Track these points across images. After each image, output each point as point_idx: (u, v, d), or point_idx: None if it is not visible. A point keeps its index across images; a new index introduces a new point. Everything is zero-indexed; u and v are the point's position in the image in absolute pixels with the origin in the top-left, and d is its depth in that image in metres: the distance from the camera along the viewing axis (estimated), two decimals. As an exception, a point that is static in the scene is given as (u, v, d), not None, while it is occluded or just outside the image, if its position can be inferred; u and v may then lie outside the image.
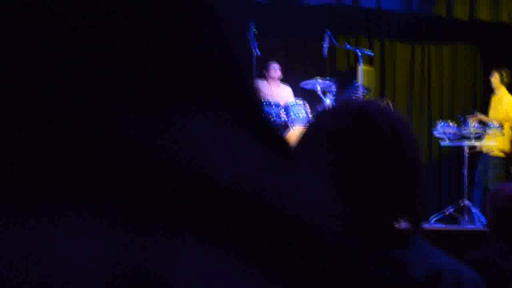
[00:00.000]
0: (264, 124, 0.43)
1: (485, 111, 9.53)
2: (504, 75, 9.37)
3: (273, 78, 9.28)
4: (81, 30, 0.36)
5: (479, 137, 8.82)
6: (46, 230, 0.35)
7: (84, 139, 0.36)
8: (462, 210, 8.64)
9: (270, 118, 0.45)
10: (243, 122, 0.41)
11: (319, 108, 8.49)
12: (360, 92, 8.80)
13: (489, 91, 9.70)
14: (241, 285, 0.38)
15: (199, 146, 0.38)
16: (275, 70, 9.27)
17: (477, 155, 9.22)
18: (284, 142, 0.44)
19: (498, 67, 9.49)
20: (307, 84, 9.05)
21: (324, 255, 0.41)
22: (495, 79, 9.41)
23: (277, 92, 9.23)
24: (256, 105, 0.44)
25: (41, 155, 0.36)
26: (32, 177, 0.35)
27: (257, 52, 8.47)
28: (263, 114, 0.44)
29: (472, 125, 8.76)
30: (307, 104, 8.90)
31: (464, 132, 8.77)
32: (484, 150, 9.19)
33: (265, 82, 9.31)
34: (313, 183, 0.44)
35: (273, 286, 0.39)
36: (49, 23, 0.36)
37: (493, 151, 9.14)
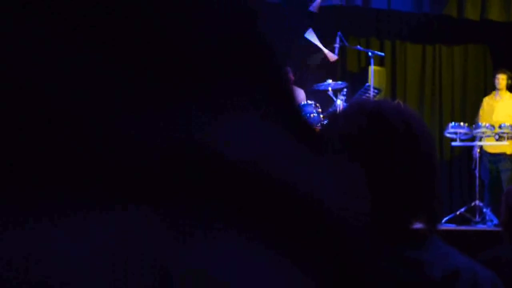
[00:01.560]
0: (295, 118, 0.43)
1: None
2: (511, 76, 9.36)
3: None
4: (81, 30, 0.36)
5: (490, 137, 8.80)
6: (46, 230, 0.35)
7: (84, 138, 0.36)
8: (473, 211, 8.62)
9: (302, 113, 0.45)
10: (270, 116, 0.41)
11: (331, 109, 8.51)
12: (371, 93, 8.79)
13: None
14: (268, 273, 0.38)
15: (199, 144, 0.38)
16: None
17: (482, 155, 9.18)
18: (313, 135, 0.44)
19: (501, 69, 9.48)
20: (320, 86, 9.04)
21: (345, 249, 0.41)
22: (504, 80, 9.36)
23: None
24: (286, 100, 0.43)
25: (41, 155, 0.36)
26: (32, 177, 0.35)
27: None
28: (294, 108, 0.44)
29: (483, 125, 8.73)
30: (318, 105, 8.89)
31: (475, 132, 8.75)
32: (493, 151, 9.15)
33: None
34: (338, 178, 0.44)
35: (301, 274, 0.39)
36: (49, 23, 0.36)
37: (505, 151, 9.10)
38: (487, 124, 8.75)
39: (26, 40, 0.35)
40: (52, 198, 0.36)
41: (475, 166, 8.90)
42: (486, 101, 9.54)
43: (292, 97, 0.44)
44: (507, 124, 8.72)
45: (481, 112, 9.48)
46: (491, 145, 8.97)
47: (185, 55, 0.38)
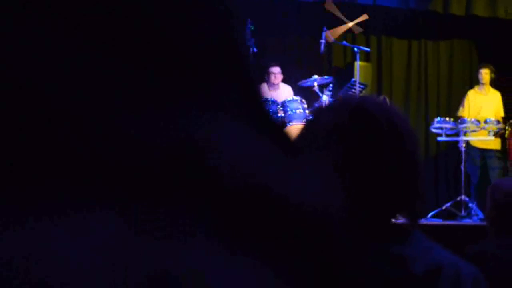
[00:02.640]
0: (267, 120, 0.43)
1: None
2: (494, 70, 9.40)
3: (273, 84, 9.30)
4: (81, 29, 0.36)
5: (475, 132, 8.83)
6: (46, 230, 0.35)
7: (84, 138, 0.36)
8: (459, 205, 8.65)
9: (272, 115, 0.46)
10: (246, 118, 0.41)
11: (317, 105, 8.51)
12: (357, 88, 8.80)
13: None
14: (248, 278, 0.38)
15: (199, 144, 0.38)
16: (275, 75, 9.26)
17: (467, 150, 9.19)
18: (285, 137, 0.44)
19: (484, 63, 9.53)
20: (305, 82, 9.07)
21: (326, 247, 0.42)
22: (487, 75, 9.40)
23: (276, 95, 9.22)
24: (258, 102, 0.44)
25: (41, 155, 0.36)
26: (32, 176, 0.35)
27: (253, 49, 8.47)
28: (265, 110, 0.44)
29: (469, 120, 8.76)
30: (304, 100, 8.90)
31: (461, 127, 8.78)
32: (480, 145, 9.18)
33: (264, 87, 9.30)
34: (316, 177, 0.44)
35: (278, 276, 0.39)
36: (49, 22, 0.36)
37: (492, 147, 9.14)
38: (472, 119, 8.78)
39: (26, 40, 0.35)
40: (52, 197, 0.36)
41: (461, 161, 8.93)
42: (472, 94, 9.55)
43: (261, 100, 0.44)
44: (493, 119, 8.75)
45: (466, 105, 9.49)
46: (477, 140, 9.00)
47: (185, 54, 0.38)
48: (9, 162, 0.35)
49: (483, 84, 9.44)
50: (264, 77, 9.31)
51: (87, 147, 0.36)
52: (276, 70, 9.28)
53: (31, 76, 0.35)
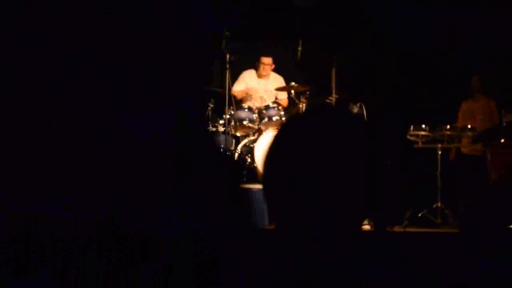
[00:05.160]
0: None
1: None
2: (482, 79, 9.45)
3: (261, 75, 9.39)
4: (81, 29, 0.36)
5: (452, 140, 8.87)
6: None
7: (84, 138, 0.36)
8: (435, 212, 8.68)
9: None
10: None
11: (293, 112, 8.55)
12: (334, 95, 8.84)
13: (464, 95, 9.74)
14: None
15: (199, 145, 0.38)
16: (264, 66, 9.34)
17: (447, 157, 9.25)
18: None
19: (475, 72, 9.58)
20: (283, 89, 9.13)
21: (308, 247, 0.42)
22: (478, 82, 9.46)
23: (265, 84, 9.31)
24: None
25: (41, 155, 0.36)
26: (32, 176, 0.36)
27: (231, 55, 8.50)
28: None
29: (445, 127, 8.80)
30: (281, 108, 8.92)
31: (437, 134, 8.82)
32: (465, 152, 9.26)
33: (253, 72, 9.39)
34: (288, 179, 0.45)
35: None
36: (49, 22, 0.36)
37: (473, 153, 9.21)
38: (448, 126, 8.82)
39: (26, 40, 0.35)
40: (52, 197, 0.36)
41: (437, 168, 8.96)
42: (465, 104, 9.62)
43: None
44: (469, 127, 8.79)
45: (460, 115, 9.56)
46: (449, 146, 9.06)
47: (185, 54, 0.38)
48: (9, 162, 0.35)
49: (474, 92, 9.51)
50: (256, 64, 9.43)
51: (87, 147, 0.36)
52: (267, 61, 9.37)
53: (31, 76, 0.36)
